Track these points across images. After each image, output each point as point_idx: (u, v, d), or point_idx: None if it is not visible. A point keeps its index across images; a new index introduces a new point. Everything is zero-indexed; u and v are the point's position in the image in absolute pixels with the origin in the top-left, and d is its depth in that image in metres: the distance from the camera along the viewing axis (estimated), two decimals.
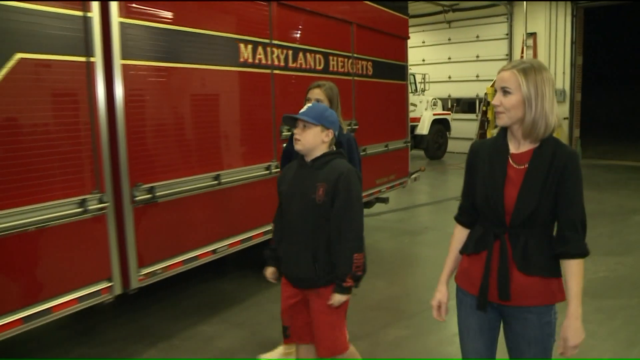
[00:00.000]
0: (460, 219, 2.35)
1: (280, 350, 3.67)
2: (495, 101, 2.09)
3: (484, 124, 15.02)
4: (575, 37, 15.17)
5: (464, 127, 16.78)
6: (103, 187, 3.28)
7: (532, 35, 15.70)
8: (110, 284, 3.37)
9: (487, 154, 2.17)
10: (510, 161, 2.10)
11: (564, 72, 15.31)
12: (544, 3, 15.28)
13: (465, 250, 2.27)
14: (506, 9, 16.37)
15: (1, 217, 2.77)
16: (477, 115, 16.50)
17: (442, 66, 17.83)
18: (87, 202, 3.16)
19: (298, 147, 2.70)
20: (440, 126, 16.24)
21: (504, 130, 2.16)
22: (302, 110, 2.73)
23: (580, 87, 15.53)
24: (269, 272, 2.91)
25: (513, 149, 2.12)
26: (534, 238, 2.08)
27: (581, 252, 2.04)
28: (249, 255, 4.93)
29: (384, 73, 6.90)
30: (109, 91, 3.31)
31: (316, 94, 3.46)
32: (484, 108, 15.03)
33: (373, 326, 4.15)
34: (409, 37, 7.67)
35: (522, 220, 2.06)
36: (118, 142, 3.37)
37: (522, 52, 15.65)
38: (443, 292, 2.35)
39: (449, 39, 17.78)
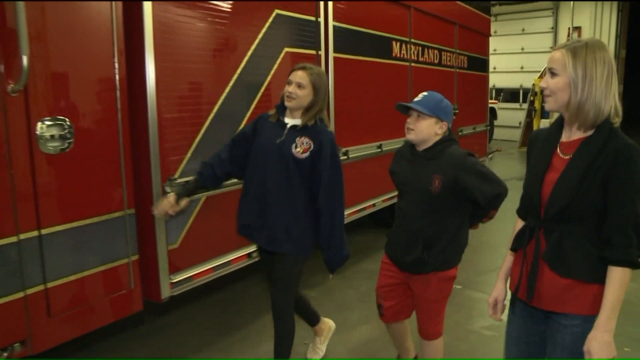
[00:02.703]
0: (519, 211, 2.21)
1: (318, 344, 3.65)
2: (542, 83, 1.93)
3: (531, 113, 15.95)
4: (620, 31, 15.99)
5: (508, 116, 17.71)
6: None
7: (577, 29, 16.54)
8: None
9: (541, 142, 2.03)
10: (558, 150, 1.94)
11: None
12: None
13: (510, 247, 2.14)
14: (552, 4, 17.17)
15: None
16: (520, 105, 17.47)
17: None
18: None
19: (410, 136, 2.66)
20: (489, 115, 17.13)
21: (561, 117, 1.98)
22: (417, 99, 2.67)
23: (622, 78, 16.33)
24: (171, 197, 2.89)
25: (564, 137, 1.95)
26: (572, 235, 1.87)
27: (625, 260, 1.78)
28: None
29: (474, 66, 7.97)
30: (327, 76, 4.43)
31: (299, 77, 2.88)
32: (532, 98, 15.93)
33: (475, 271, 5.27)
34: (490, 35, 8.71)
35: (555, 212, 1.88)
36: (328, 114, 4.49)
37: None
38: (500, 289, 2.22)
39: (495, 32, 18.44)
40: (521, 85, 17.83)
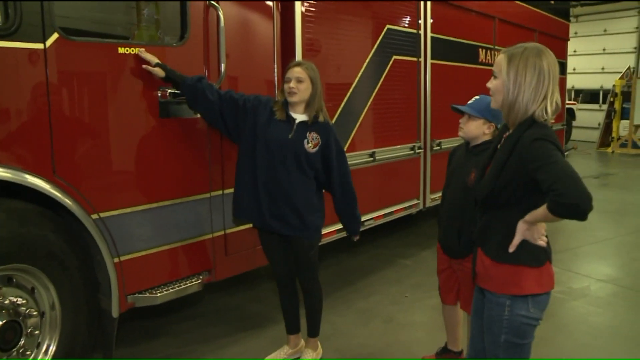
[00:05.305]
0: None
1: (285, 349, 3.57)
2: (487, 84, 2.10)
3: (610, 114, 15.96)
4: None
5: (587, 117, 17.69)
6: (420, 139, 5.29)
7: None
8: (417, 202, 5.38)
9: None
10: (499, 145, 2.13)
11: None
12: None
13: None
14: (637, 4, 16.89)
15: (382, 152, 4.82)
16: (599, 106, 17.48)
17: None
18: (415, 147, 5.17)
19: (460, 134, 2.94)
20: (567, 115, 17.25)
21: None
22: (469, 102, 2.93)
23: None
24: None
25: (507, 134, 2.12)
26: (495, 220, 2.07)
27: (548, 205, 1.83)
28: None
29: None
30: (425, 79, 5.28)
31: (297, 72, 3.08)
32: (612, 99, 15.94)
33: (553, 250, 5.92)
34: (569, 39, 9.22)
35: (481, 200, 2.11)
36: (426, 111, 5.35)
37: None
38: None
39: (575, 33, 18.49)
40: (601, 87, 17.75)
